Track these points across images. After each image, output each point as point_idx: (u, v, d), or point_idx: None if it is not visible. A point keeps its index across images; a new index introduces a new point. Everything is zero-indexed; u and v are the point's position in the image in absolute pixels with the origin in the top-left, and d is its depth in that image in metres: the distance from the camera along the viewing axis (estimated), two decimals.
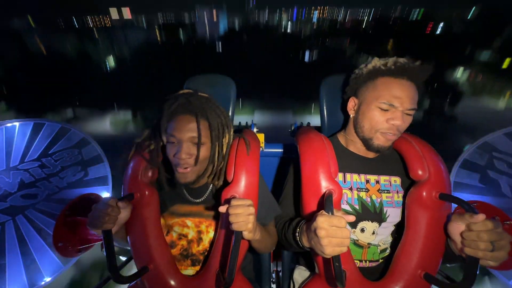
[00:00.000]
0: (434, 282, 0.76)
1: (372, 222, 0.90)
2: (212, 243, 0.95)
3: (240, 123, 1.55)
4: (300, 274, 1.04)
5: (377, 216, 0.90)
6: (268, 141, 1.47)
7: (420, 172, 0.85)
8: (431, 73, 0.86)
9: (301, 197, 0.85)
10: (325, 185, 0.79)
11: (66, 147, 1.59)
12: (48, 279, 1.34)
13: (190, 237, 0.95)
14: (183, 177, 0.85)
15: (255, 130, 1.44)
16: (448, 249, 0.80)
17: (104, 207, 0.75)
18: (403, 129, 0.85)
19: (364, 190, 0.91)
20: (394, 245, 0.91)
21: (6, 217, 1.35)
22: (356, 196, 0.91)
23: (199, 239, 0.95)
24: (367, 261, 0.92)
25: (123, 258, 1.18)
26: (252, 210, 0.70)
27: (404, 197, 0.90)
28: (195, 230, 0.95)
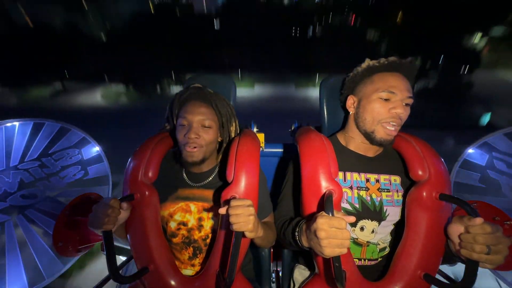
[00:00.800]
0: (434, 282, 0.76)
1: (372, 220, 0.90)
2: (213, 229, 0.96)
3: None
4: (300, 274, 1.04)
5: (377, 214, 0.90)
6: (269, 141, 1.47)
7: (420, 172, 0.85)
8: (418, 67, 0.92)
9: (301, 197, 0.85)
10: (325, 185, 0.79)
11: (66, 146, 1.59)
12: (48, 279, 1.34)
13: (190, 225, 0.97)
14: (190, 155, 0.91)
15: (255, 130, 1.44)
16: (447, 250, 0.80)
17: (105, 208, 0.75)
18: (404, 119, 0.87)
19: (364, 189, 0.92)
20: (394, 244, 0.91)
21: (6, 217, 1.35)
22: (356, 195, 0.91)
23: (200, 226, 0.97)
24: (366, 260, 0.92)
25: (123, 258, 1.18)
26: (252, 210, 0.70)
27: (404, 196, 0.90)
28: (196, 217, 0.97)
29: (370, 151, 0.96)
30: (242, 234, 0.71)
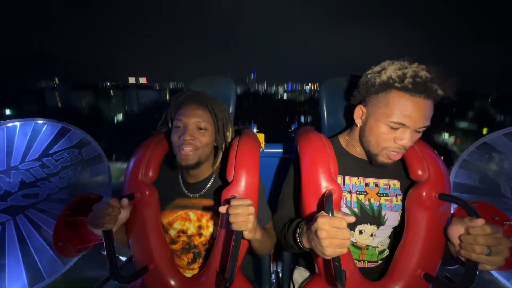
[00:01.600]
0: (434, 282, 0.76)
1: (370, 225, 0.90)
2: (213, 235, 0.96)
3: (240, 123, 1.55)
4: (300, 274, 1.04)
5: (376, 219, 0.90)
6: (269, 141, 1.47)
7: (419, 172, 0.85)
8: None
9: (301, 197, 0.85)
10: (325, 185, 0.79)
11: (67, 147, 1.59)
12: (48, 279, 1.34)
13: (189, 233, 0.96)
14: (185, 158, 0.89)
15: (255, 130, 1.44)
16: (447, 251, 0.80)
17: (105, 208, 0.75)
18: (411, 145, 0.81)
19: (363, 193, 0.91)
20: (393, 246, 0.91)
21: (6, 217, 1.35)
22: (355, 199, 0.91)
23: (199, 234, 0.96)
24: (366, 262, 0.92)
25: (123, 258, 1.18)
26: (252, 209, 0.71)
27: (403, 200, 0.90)
28: (196, 225, 0.96)
29: None
30: (242, 234, 0.71)
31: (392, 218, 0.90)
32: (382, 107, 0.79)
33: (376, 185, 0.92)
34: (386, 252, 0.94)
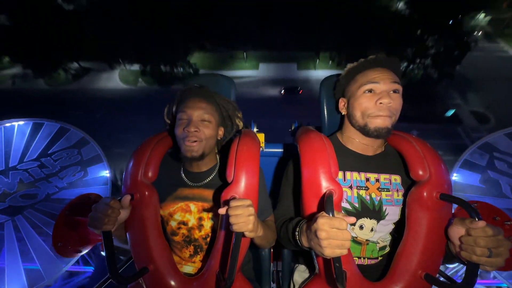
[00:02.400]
0: (435, 282, 0.76)
1: (370, 219, 0.90)
2: (213, 229, 0.96)
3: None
4: (300, 275, 1.04)
5: (376, 213, 0.90)
6: (269, 140, 1.46)
7: (420, 172, 0.85)
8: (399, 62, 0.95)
9: (301, 197, 0.84)
10: (325, 185, 0.79)
11: (66, 147, 1.59)
12: (47, 279, 1.34)
13: (190, 224, 0.97)
14: (190, 150, 0.90)
15: (255, 130, 1.43)
16: (447, 250, 0.80)
17: (105, 208, 0.75)
18: (396, 110, 0.87)
19: (363, 188, 0.91)
20: (394, 243, 0.91)
21: (5, 217, 1.35)
22: (356, 194, 0.91)
23: (200, 226, 0.97)
24: (366, 258, 0.92)
25: (123, 258, 1.18)
26: (252, 210, 0.70)
27: (404, 195, 0.90)
28: (196, 217, 0.97)
29: (370, 150, 0.95)
30: (242, 235, 0.71)
31: (392, 213, 0.90)
32: (353, 85, 0.94)
33: (377, 180, 0.93)
34: (387, 249, 0.94)
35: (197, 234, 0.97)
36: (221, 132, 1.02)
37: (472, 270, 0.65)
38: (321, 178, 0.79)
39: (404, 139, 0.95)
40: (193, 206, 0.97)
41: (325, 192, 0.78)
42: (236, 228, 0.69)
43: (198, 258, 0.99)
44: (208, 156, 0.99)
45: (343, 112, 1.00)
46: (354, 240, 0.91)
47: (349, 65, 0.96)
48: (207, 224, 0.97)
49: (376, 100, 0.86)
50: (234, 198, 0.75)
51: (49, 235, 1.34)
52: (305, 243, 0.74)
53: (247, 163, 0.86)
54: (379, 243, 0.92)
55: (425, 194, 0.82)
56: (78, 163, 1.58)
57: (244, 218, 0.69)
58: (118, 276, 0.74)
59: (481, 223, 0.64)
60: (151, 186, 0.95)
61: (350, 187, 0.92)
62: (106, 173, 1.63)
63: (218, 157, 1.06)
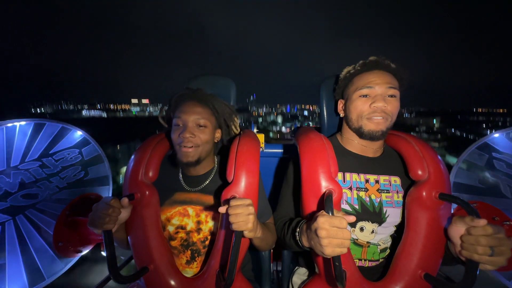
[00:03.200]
0: (434, 282, 0.76)
1: (372, 222, 0.89)
2: (212, 232, 0.96)
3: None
4: (299, 278, 1.04)
5: (377, 216, 0.89)
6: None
7: (419, 172, 0.85)
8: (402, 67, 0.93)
9: (301, 197, 0.85)
10: (325, 185, 0.79)
11: (67, 147, 1.59)
12: (48, 279, 1.34)
13: (188, 228, 0.96)
14: (186, 155, 0.90)
15: (255, 130, 1.44)
16: (447, 251, 0.80)
17: (105, 208, 0.75)
18: (391, 113, 0.88)
19: (363, 189, 0.91)
20: (395, 246, 0.91)
21: (6, 217, 1.35)
22: (355, 196, 0.91)
23: (198, 229, 0.96)
24: (367, 260, 0.91)
25: (123, 258, 1.18)
26: (251, 209, 0.71)
27: (404, 197, 0.90)
28: (195, 221, 0.96)
29: (369, 151, 0.96)
30: (242, 234, 0.71)
31: (393, 215, 0.90)
32: (351, 87, 0.94)
33: (377, 181, 0.92)
34: (388, 251, 0.94)
35: (195, 237, 0.96)
36: (218, 134, 1.02)
37: (471, 270, 0.65)
38: (321, 178, 0.80)
39: (403, 139, 0.95)
40: (191, 210, 0.97)
41: (325, 192, 0.78)
42: (235, 227, 0.69)
43: (196, 263, 0.98)
44: (205, 160, 0.98)
45: (341, 114, 1.01)
46: (355, 242, 0.91)
47: (348, 68, 0.96)
48: (206, 227, 0.96)
49: (371, 103, 0.87)
50: (234, 198, 0.76)
51: (50, 235, 1.34)
52: (305, 243, 0.74)
53: (247, 163, 0.86)
54: (380, 245, 0.91)
55: (424, 194, 0.82)
56: (79, 163, 1.59)
57: (243, 217, 0.69)
58: (118, 276, 0.75)
59: (482, 221, 0.64)
60: (152, 186, 0.95)
61: (350, 189, 0.92)
62: (107, 173, 1.64)
63: (216, 160, 1.06)
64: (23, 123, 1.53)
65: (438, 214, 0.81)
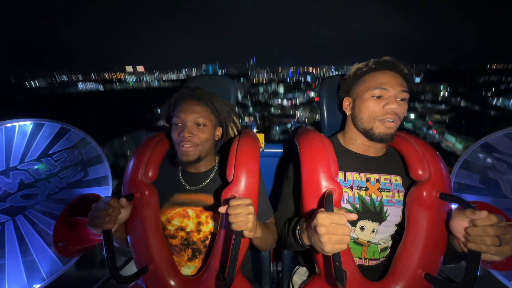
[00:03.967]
0: (435, 282, 0.76)
1: (372, 222, 0.89)
2: (212, 232, 0.96)
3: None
4: (299, 278, 1.04)
5: (377, 215, 0.89)
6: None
7: (420, 172, 0.85)
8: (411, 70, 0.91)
9: (301, 197, 0.85)
10: (325, 184, 0.79)
11: (66, 147, 1.59)
12: (48, 279, 1.34)
13: (188, 229, 0.96)
14: (185, 154, 0.90)
15: (255, 130, 1.43)
16: (449, 247, 0.79)
17: (105, 207, 0.75)
18: (401, 115, 0.87)
19: (364, 188, 0.91)
20: (395, 245, 0.91)
21: (6, 217, 1.35)
22: (356, 195, 0.91)
23: (198, 230, 0.96)
24: (367, 259, 0.91)
25: (123, 258, 1.18)
26: (251, 209, 0.71)
27: (405, 196, 0.90)
28: (195, 222, 0.96)
29: (370, 151, 0.95)
30: (242, 234, 0.71)
31: (394, 214, 0.90)
32: (361, 86, 0.91)
33: (377, 180, 0.92)
34: (388, 251, 0.94)
35: (195, 236, 0.97)
36: (219, 132, 1.02)
37: (473, 269, 0.65)
38: (321, 178, 0.80)
39: (403, 139, 0.95)
40: (191, 211, 0.97)
41: (325, 192, 0.78)
42: (235, 226, 0.69)
43: (197, 261, 0.98)
44: (206, 158, 0.99)
45: (347, 112, 0.98)
46: (355, 242, 0.91)
47: (358, 64, 0.94)
48: (206, 228, 0.96)
49: (384, 104, 0.86)
50: (234, 197, 0.76)
51: (49, 235, 1.34)
52: (305, 241, 0.74)
53: (247, 162, 0.86)
54: (380, 244, 0.91)
55: (424, 193, 0.82)
56: (79, 163, 1.58)
57: (243, 216, 0.69)
58: (118, 276, 0.74)
59: (484, 213, 0.63)
60: (151, 186, 0.95)
61: (351, 188, 0.92)
62: (106, 174, 1.64)
63: (216, 158, 1.06)
64: (22, 123, 1.52)
65: (438, 213, 0.81)
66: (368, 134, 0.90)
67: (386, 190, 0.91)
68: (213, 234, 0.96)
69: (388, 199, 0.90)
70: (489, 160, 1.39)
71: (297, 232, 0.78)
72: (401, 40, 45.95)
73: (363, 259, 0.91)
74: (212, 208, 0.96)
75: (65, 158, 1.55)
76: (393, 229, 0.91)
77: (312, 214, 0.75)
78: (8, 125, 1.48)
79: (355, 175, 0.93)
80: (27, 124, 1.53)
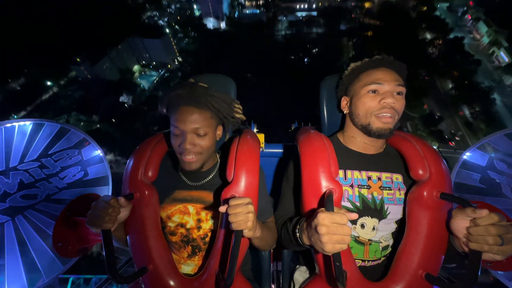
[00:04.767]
0: (436, 282, 0.76)
1: (372, 218, 0.89)
2: (212, 229, 0.95)
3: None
4: (301, 275, 1.04)
5: (377, 212, 0.89)
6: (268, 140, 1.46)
7: (420, 172, 0.85)
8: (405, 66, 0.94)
9: (301, 197, 0.84)
10: (325, 184, 0.79)
11: (66, 147, 1.59)
12: (47, 279, 1.34)
13: (188, 226, 0.96)
14: (189, 165, 0.88)
15: (255, 130, 1.44)
16: (450, 247, 0.79)
17: (104, 207, 0.74)
18: (399, 110, 0.88)
19: (365, 187, 0.91)
20: (396, 244, 0.91)
21: (5, 218, 1.35)
22: (357, 193, 0.91)
23: (199, 227, 0.96)
24: (369, 261, 0.91)
25: (123, 258, 1.18)
26: (251, 208, 0.70)
27: (406, 194, 0.90)
28: (195, 218, 0.96)
29: (371, 149, 0.95)
30: (241, 234, 0.71)
31: (394, 212, 0.90)
32: (357, 83, 0.94)
33: (379, 178, 0.92)
34: (390, 249, 0.94)
35: (195, 233, 0.97)
36: (219, 131, 0.98)
37: (473, 269, 0.64)
38: (321, 178, 0.79)
39: (404, 139, 0.95)
40: (191, 208, 0.96)
41: (325, 191, 0.78)
42: (235, 226, 0.69)
43: (197, 258, 0.98)
44: (209, 160, 0.97)
45: (345, 110, 1.00)
46: (356, 240, 0.90)
47: (353, 64, 0.96)
48: (206, 225, 0.96)
49: (380, 99, 0.86)
50: (234, 197, 0.76)
51: (49, 236, 1.33)
52: (306, 240, 0.74)
53: (247, 162, 0.86)
54: (381, 242, 0.91)
55: (425, 193, 0.82)
56: (79, 164, 1.58)
57: (243, 216, 0.69)
58: (118, 275, 0.74)
59: (484, 212, 0.63)
60: (151, 186, 0.95)
61: (351, 186, 0.91)
62: (106, 173, 1.64)
63: (218, 156, 1.05)
64: (22, 123, 1.53)
65: (439, 213, 0.81)
66: (366, 130, 0.91)
67: (387, 188, 0.91)
68: (213, 232, 0.96)
69: (389, 197, 0.90)
70: (489, 160, 1.39)
71: (297, 231, 0.77)
72: None
73: (366, 261, 0.91)
74: (212, 207, 0.96)
75: (65, 158, 1.55)
76: (393, 227, 0.91)
77: (312, 214, 0.75)
78: (8, 125, 1.48)
79: (356, 173, 0.93)
80: (27, 124, 1.53)
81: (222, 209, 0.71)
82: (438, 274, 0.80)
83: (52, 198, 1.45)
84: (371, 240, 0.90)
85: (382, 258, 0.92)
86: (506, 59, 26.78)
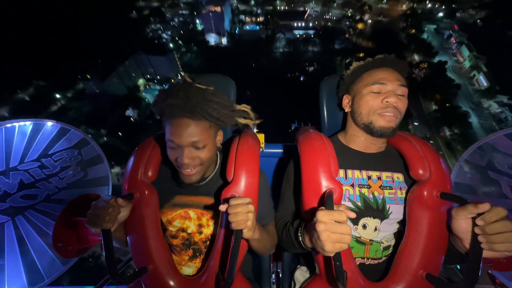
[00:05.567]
0: (436, 282, 0.75)
1: (374, 218, 0.89)
2: (213, 233, 0.95)
3: None
4: (302, 274, 1.04)
5: (380, 212, 0.89)
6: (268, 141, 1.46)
7: (421, 172, 0.85)
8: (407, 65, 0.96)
9: (301, 197, 0.84)
10: (325, 184, 0.79)
11: (66, 147, 1.59)
12: (47, 279, 1.34)
13: (189, 231, 0.95)
14: (188, 178, 0.85)
15: (255, 130, 1.43)
16: (450, 247, 0.79)
17: (104, 206, 0.74)
18: (402, 109, 0.88)
19: (366, 186, 0.91)
20: (398, 244, 0.91)
21: (5, 218, 1.35)
22: (358, 193, 0.90)
23: (200, 232, 0.96)
24: (370, 259, 0.91)
25: (123, 258, 1.18)
26: (251, 208, 0.70)
27: (407, 193, 0.89)
28: (196, 224, 0.95)
29: (372, 148, 0.95)
30: (241, 234, 0.71)
31: (396, 211, 0.89)
32: (360, 83, 0.95)
33: (379, 178, 0.92)
34: (391, 249, 0.93)
35: (197, 237, 0.96)
36: (220, 137, 0.92)
37: (474, 269, 0.64)
38: (321, 178, 0.79)
39: (404, 138, 0.95)
40: (192, 213, 0.95)
41: (325, 191, 0.78)
42: (235, 225, 0.69)
43: (198, 260, 0.98)
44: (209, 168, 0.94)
45: (347, 109, 1.00)
46: (358, 240, 0.90)
47: (356, 63, 0.97)
48: (207, 230, 0.95)
49: (383, 98, 0.87)
50: (234, 197, 0.76)
51: (49, 236, 1.33)
52: (308, 242, 0.73)
53: (247, 162, 0.86)
54: (383, 243, 0.90)
55: (425, 193, 0.82)
56: (79, 164, 1.58)
57: (243, 215, 0.69)
58: (117, 276, 0.74)
59: (487, 205, 0.61)
60: (151, 186, 0.95)
61: (352, 186, 0.91)
62: (106, 173, 1.64)
63: (219, 157, 1.04)
64: (22, 123, 1.53)
65: (439, 213, 0.81)
66: (369, 129, 0.91)
67: (388, 188, 0.91)
68: (214, 236, 0.95)
69: (391, 196, 0.90)
70: (489, 160, 1.39)
71: (299, 234, 0.77)
72: None
73: (365, 258, 0.91)
74: (213, 209, 0.95)
75: (65, 158, 1.55)
76: (395, 227, 0.91)
77: (313, 213, 0.75)
78: (8, 125, 1.48)
79: (356, 172, 0.93)
80: (27, 124, 1.54)
81: (223, 207, 0.71)
82: (438, 274, 0.79)
83: (52, 198, 1.46)
84: (372, 240, 0.90)
85: (383, 258, 0.92)
86: (485, 83, 28.51)
